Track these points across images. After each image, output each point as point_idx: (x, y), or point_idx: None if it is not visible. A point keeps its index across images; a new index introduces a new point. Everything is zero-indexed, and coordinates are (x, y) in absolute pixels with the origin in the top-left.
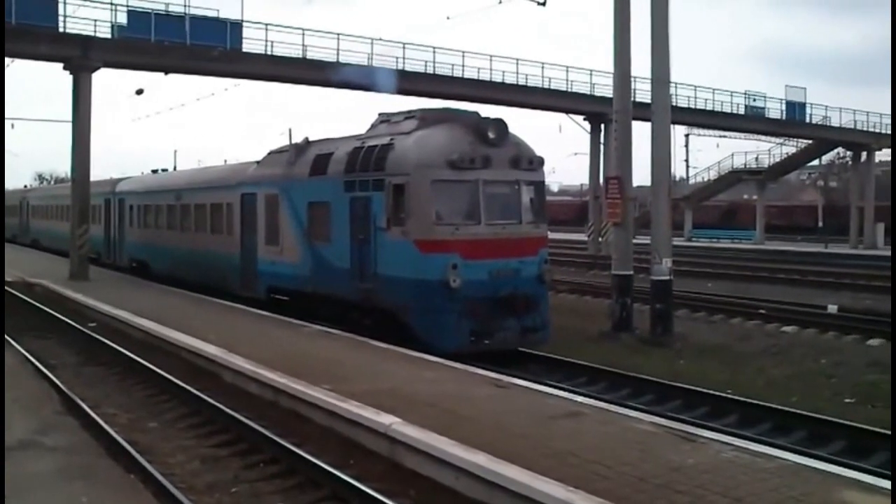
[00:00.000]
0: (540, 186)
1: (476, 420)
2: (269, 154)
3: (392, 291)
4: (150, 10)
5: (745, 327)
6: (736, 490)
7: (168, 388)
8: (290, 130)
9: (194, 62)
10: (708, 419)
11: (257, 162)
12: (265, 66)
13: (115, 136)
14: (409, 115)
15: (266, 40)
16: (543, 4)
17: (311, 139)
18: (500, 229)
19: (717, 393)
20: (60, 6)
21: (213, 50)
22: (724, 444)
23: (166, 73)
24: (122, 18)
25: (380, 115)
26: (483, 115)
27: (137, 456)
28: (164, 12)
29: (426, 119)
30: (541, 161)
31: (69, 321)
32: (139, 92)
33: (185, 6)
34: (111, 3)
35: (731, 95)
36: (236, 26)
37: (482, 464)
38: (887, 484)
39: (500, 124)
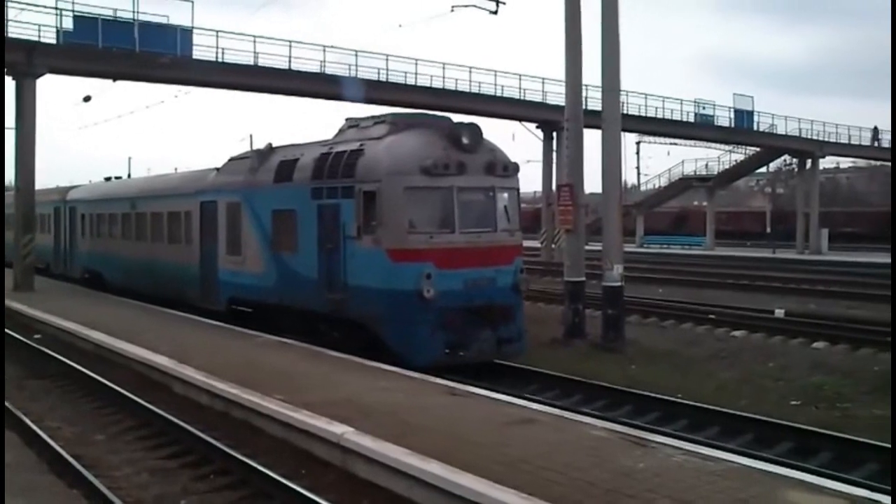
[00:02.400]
0: (515, 193)
1: (430, 429)
2: (230, 161)
3: (363, 302)
4: (97, 16)
5: (696, 332)
6: (685, 493)
7: (116, 400)
8: (250, 136)
9: (143, 69)
10: (659, 424)
11: (217, 169)
12: (216, 74)
13: (61, 145)
14: (378, 119)
15: (217, 47)
16: (495, 13)
17: (273, 145)
18: (475, 237)
19: (668, 398)
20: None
21: (162, 57)
22: (675, 448)
23: (114, 79)
24: (68, 24)
25: (347, 120)
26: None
27: (82, 470)
28: (111, 18)
29: (397, 124)
30: (516, 167)
31: (12, 333)
32: (87, 99)
33: (133, 12)
34: (56, 8)
35: (681, 103)
36: (186, 33)
37: (436, 472)
38: (831, 483)
39: (474, 129)
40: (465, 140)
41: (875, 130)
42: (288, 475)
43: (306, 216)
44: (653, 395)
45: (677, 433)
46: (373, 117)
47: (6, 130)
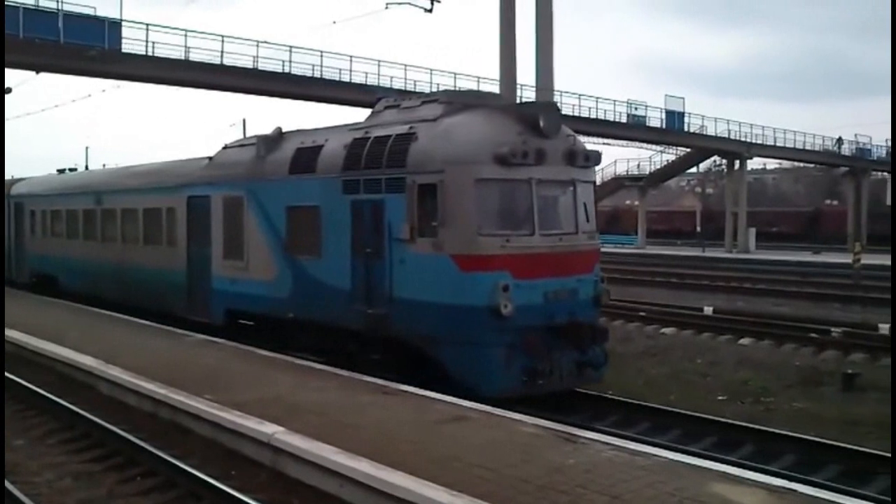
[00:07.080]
0: (592, 188)
1: (362, 427)
2: (225, 149)
3: (415, 319)
4: (17, 4)
5: (627, 329)
6: (614, 488)
7: (38, 402)
8: (244, 121)
9: (69, 61)
10: (590, 420)
11: (209, 158)
12: (146, 68)
13: None
14: (428, 98)
15: (147, 41)
16: (430, 11)
17: (283, 130)
18: (556, 241)
19: (599, 394)
20: None
21: (89, 49)
22: (604, 444)
23: (37, 72)
24: None
25: (381, 100)
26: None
27: None
28: (33, 7)
29: (453, 103)
30: (597, 157)
31: None
32: (7, 91)
33: (57, 1)
34: None
35: (614, 104)
36: (115, 25)
37: (366, 471)
38: (753, 475)
39: (553, 111)
40: (542, 123)
41: (839, 140)
42: (217, 476)
43: (335, 214)
44: (584, 391)
45: (607, 429)
46: (418, 95)
47: None
